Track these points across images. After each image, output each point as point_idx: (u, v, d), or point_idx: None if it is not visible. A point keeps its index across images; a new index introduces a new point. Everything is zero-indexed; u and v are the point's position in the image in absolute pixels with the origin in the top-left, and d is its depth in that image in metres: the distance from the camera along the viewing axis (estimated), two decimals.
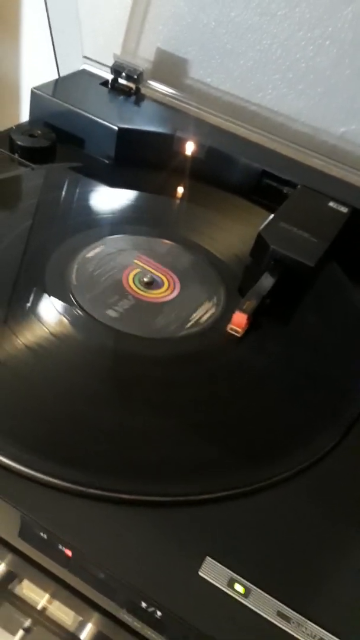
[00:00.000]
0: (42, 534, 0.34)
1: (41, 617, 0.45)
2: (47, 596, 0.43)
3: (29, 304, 0.47)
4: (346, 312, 0.54)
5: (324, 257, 0.53)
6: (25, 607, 0.45)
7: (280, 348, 0.49)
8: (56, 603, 0.43)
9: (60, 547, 0.34)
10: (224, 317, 0.49)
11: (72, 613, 0.43)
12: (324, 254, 0.53)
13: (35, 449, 0.36)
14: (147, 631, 0.35)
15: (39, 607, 0.44)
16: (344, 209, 0.58)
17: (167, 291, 0.50)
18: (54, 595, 0.42)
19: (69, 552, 0.34)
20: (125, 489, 0.36)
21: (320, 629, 0.32)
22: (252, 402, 0.44)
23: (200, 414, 0.42)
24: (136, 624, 0.35)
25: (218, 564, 0.34)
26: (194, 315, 0.49)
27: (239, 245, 0.57)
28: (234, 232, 0.59)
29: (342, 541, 0.37)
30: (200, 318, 0.48)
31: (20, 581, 0.44)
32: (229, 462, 0.39)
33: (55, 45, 0.74)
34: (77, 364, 0.43)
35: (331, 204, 0.58)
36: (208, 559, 0.34)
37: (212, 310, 0.49)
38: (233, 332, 0.47)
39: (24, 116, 0.69)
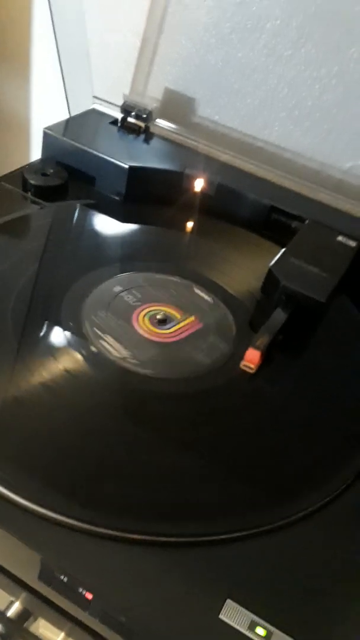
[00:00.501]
0: (62, 577, 0.34)
1: None
2: (62, 634, 0.43)
3: (43, 341, 0.47)
4: (358, 346, 0.54)
5: (334, 292, 0.53)
6: None
7: (293, 384, 0.49)
8: None
9: (80, 590, 0.34)
10: (237, 353, 0.49)
11: None
12: (334, 288, 0.53)
13: (56, 490, 0.36)
14: None
15: None
16: (352, 243, 0.59)
17: (180, 329, 0.51)
18: (69, 634, 0.42)
19: (89, 596, 0.34)
20: (144, 530, 0.36)
21: None
22: (267, 439, 0.44)
23: (215, 452, 0.42)
24: None
25: (239, 607, 0.34)
26: (207, 352, 0.49)
27: (251, 281, 0.58)
28: (245, 267, 0.60)
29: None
30: (213, 355, 0.49)
31: (36, 619, 0.44)
32: (246, 500, 0.39)
33: (66, 85, 0.76)
34: (93, 402, 0.44)
35: (340, 238, 0.59)
36: (229, 601, 0.34)
37: (225, 347, 0.50)
38: (246, 369, 0.48)
39: (35, 154, 0.70)
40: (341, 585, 0.36)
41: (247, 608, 0.34)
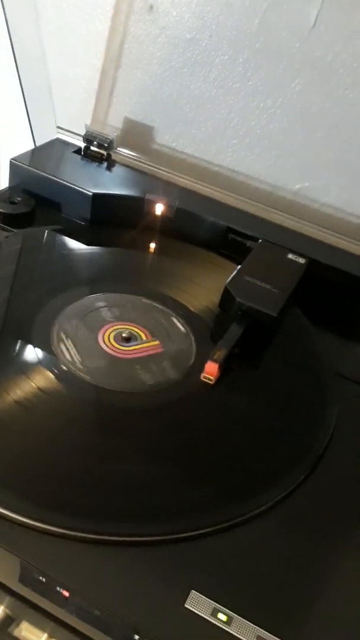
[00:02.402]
0: (41, 577, 0.38)
1: None
2: (45, 636, 0.46)
3: (17, 361, 0.51)
4: (310, 353, 0.59)
5: (286, 306, 0.58)
6: None
7: (251, 391, 0.54)
8: None
9: (58, 588, 0.38)
10: (198, 366, 0.53)
11: None
12: (286, 302, 0.58)
13: (32, 498, 0.40)
14: None
15: None
16: (301, 260, 0.64)
17: (144, 345, 0.55)
18: (52, 635, 0.45)
19: (66, 593, 0.38)
20: (114, 531, 0.39)
21: None
22: (226, 444, 0.48)
23: (179, 458, 0.46)
24: None
25: (202, 596, 0.38)
26: (170, 366, 0.53)
27: (210, 297, 0.62)
28: (204, 285, 0.64)
29: (314, 567, 0.41)
30: (175, 368, 0.53)
31: (19, 624, 0.46)
32: (208, 501, 0.43)
33: (30, 117, 0.80)
34: (64, 417, 0.47)
35: (290, 255, 0.64)
36: (193, 592, 0.38)
37: (187, 361, 0.54)
38: (206, 380, 0.52)
39: (2, 183, 0.74)
40: (296, 575, 0.40)
41: (209, 597, 0.38)
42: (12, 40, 0.74)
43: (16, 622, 0.47)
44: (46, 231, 0.69)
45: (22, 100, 0.77)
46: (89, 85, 0.76)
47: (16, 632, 0.48)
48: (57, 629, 0.43)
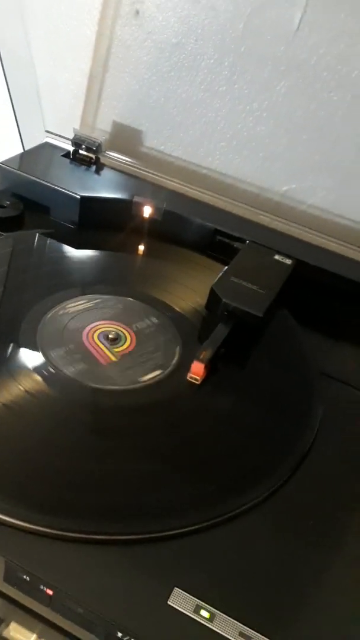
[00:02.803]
0: (25, 576, 0.38)
1: None
2: (34, 636, 0.46)
3: (5, 363, 0.51)
4: (296, 353, 0.59)
5: (272, 306, 0.58)
6: None
7: (237, 391, 0.54)
8: None
9: (42, 587, 0.38)
10: (184, 366, 0.53)
11: None
12: (272, 303, 0.58)
13: (14, 497, 0.40)
14: None
15: None
16: (288, 261, 0.64)
17: (131, 345, 0.55)
18: (40, 635, 0.45)
19: (50, 592, 0.38)
20: (97, 530, 0.40)
21: None
22: (212, 443, 0.49)
23: (163, 458, 0.47)
24: None
25: (185, 593, 0.38)
26: (157, 366, 0.53)
27: (197, 299, 0.62)
28: (191, 287, 0.65)
29: (297, 565, 0.41)
30: (162, 368, 0.53)
31: (7, 625, 0.47)
32: (192, 500, 0.43)
33: (18, 121, 0.80)
34: (51, 418, 0.47)
35: (277, 256, 0.64)
36: (176, 589, 0.38)
37: (174, 361, 0.54)
38: (192, 380, 0.52)
39: None
40: (279, 572, 0.40)
41: (192, 595, 0.38)
42: None
43: (5, 622, 0.47)
44: (37, 234, 0.69)
45: (10, 104, 0.77)
46: (77, 90, 0.76)
47: (5, 633, 0.49)
48: (45, 630, 0.43)
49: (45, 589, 0.38)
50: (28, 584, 0.38)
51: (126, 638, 0.37)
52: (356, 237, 0.69)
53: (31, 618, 0.43)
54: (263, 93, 0.67)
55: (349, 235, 0.69)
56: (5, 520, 0.39)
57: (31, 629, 0.46)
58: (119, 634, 0.37)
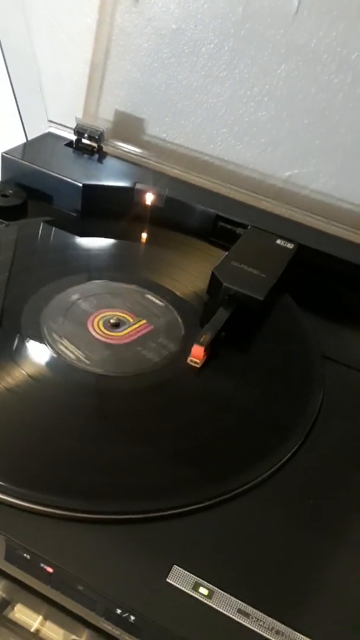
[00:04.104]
0: (25, 555, 0.39)
1: (35, 639, 0.48)
2: (40, 618, 0.47)
3: (8, 349, 0.52)
4: (298, 336, 0.59)
5: (273, 290, 0.58)
6: (20, 630, 0.48)
7: (237, 374, 0.54)
8: (48, 624, 0.47)
9: (42, 565, 0.38)
10: (185, 350, 0.53)
11: (62, 631, 0.46)
12: (273, 287, 0.58)
13: (13, 477, 0.41)
14: (125, 637, 0.39)
15: (32, 629, 0.48)
16: (290, 246, 0.64)
17: (133, 331, 0.55)
18: (46, 617, 0.46)
19: (50, 569, 0.38)
20: (97, 509, 0.40)
21: (275, 621, 0.37)
22: (213, 425, 0.49)
23: (167, 439, 0.47)
24: (115, 631, 0.39)
25: (184, 571, 0.38)
26: (158, 350, 0.53)
27: (198, 284, 0.63)
28: (193, 272, 0.65)
29: (295, 543, 0.41)
30: (163, 352, 0.53)
31: (13, 607, 0.47)
32: (192, 479, 0.44)
33: (20, 111, 0.80)
34: (52, 401, 0.48)
35: (278, 241, 0.64)
36: (175, 567, 0.38)
37: (175, 345, 0.54)
38: (193, 364, 0.52)
39: None
40: (277, 550, 0.41)
41: (191, 572, 0.38)
42: (0, 35, 0.74)
43: (11, 605, 0.48)
44: (41, 222, 0.69)
45: (13, 94, 0.78)
46: (79, 79, 0.76)
47: (11, 615, 0.49)
48: (51, 611, 0.44)
49: (45, 567, 0.38)
50: (28, 562, 0.39)
51: (125, 615, 0.37)
52: (358, 220, 0.68)
53: (36, 598, 0.44)
54: (264, 77, 0.66)
55: (351, 219, 0.68)
56: (4, 500, 0.39)
57: (37, 611, 0.46)
58: (118, 611, 0.37)
